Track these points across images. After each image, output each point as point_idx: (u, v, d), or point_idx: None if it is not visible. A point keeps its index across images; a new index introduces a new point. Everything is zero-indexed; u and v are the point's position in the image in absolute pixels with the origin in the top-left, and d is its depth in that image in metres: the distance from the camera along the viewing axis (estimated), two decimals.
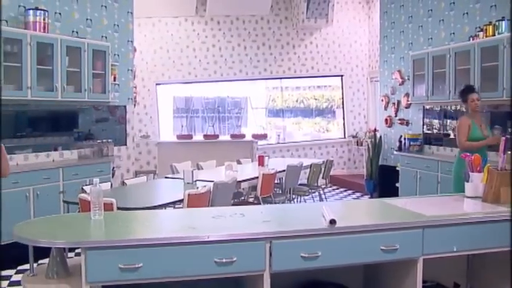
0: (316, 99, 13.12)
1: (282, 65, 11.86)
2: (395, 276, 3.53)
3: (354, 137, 12.46)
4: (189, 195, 4.81)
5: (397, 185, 8.68)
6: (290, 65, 11.94)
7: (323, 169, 8.21)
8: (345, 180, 11.67)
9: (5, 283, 5.22)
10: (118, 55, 8.14)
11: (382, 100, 9.97)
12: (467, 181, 4.08)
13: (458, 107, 7.96)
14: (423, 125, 8.81)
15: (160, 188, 6.25)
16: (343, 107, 12.76)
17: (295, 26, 11.86)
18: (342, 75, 12.61)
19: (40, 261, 3.57)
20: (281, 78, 12.18)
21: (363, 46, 12.68)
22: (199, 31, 11.29)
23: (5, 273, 5.48)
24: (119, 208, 4.29)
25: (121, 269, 2.87)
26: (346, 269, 3.62)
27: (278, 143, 12.20)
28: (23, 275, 3.44)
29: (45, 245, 3.01)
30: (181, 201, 4.97)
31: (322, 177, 8.31)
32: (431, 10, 8.54)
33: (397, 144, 9.03)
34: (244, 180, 6.51)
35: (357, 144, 12.26)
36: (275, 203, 6.78)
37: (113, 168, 7.62)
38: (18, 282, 5.13)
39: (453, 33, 7.96)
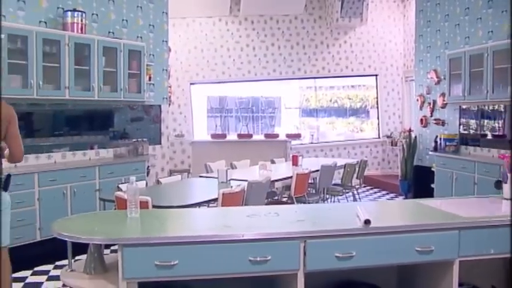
0: (350, 98, 13.05)
1: (316, 64, 11.82)
2: (431, 278, 3.50)
3: (388, 137, 12.34)
4: (223, 194, 4.84)
5: (432, 185, 8.57)
6: (324, 64, 11.89)
7: (357, 169, 8.16)
8: (379, 180, 11.57)
9: (43, 277, 5.34)
10: (153, 55, 8.23)
11: (418, 100, 9.85)
12: (505, 182, 4.00)
13: (496, 107, 7.82)
14: (459, 125, 8.68)
15: (195, 186, 6.29)
16: (377, 107, 12.65)
17: (329, 25, 11.80)
18: (376, 75, 12.51)
19: (77, 257, 3.64)
20: (315, 78, 12.15)
21: (398, 45, 12.55)
22: (233, 31, 11.33)
23: (43, 268, 5.61)
24: (154, 206, 4.34)
25: (157, 266, 2.91)
26: (380, 269, 3.59)
27: (311, 142, 12.17)
28: (61, 270, 3.52)
29: (84, 241, 3.08)
30: (215, 200, 4.99)
31: (356, 177, 8.26)
32: (468, 8, 8.40)
33: (433, 144, 8.92)
34: (278, 180, 6.50)
35: (392, 145, 12.14)
36: (309, 202, 6.76)
37: (148, 167, 7.71)
38: (56, 277, 5.24)
39: (491, 31, 7.82)
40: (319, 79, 12.33)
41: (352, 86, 13.05)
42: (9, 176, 4.03)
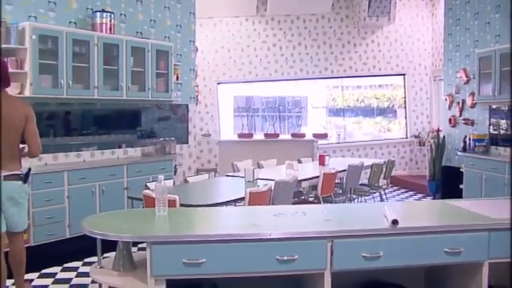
0: (377, 98, 12.96)
1: (343, 64, 11.77)
2: (460, 280, 3.46)
3: (416, 137, 12.22)
4: (250, 193, 4.85)
5: (461, 186, 8.46)
6: (351, 64, 11.84)
7: (384, 169, 8.10)
8: (407, 181, 11.47)
9: (72, 274, 5.42)
10: (180, 55, 8.28)
11: (446, 99, 9.74)
12: None
13: None
14: (489, 125, 8.55)
15: (222, 185, 6.32)
16: (405, 107, 12.54)
17: (357, 25, 11.74)
18: (404, 74, 12.40)
19: (105, 255, 3.69)
20: (342, 77, 12.10)
21: (426, 44, 12.42)
22: (260, 30, 11.35)
23: (72, 264, 5.69)
24: (181, 205, 4.37)
25: (185, 263, 2.94)
26: (407, 270, 3.57)
27: (338, 142, 12.12)
28: (91, 267, 3.57)
29: (113, 239, 3.12)
30: (242, 199, 5.01)
31: (384, 178, 8.20)
32: (499, 6, 8.27)
33: (462, 144, 8.81)
34: (304, 180, 6.49)
35: (419, 145, 12.02)
36: (335, 202, 6.73)
37: (175, 166, 7.76)
38: (84, 274, 5.32)
39: None
40: (346, 78, 12.27)
41: (380, 86, 12.96)
42: (29, 169, 4.48)
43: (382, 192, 8.24)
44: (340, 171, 7.08)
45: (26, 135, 4.35)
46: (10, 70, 5.68)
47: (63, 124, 6.98)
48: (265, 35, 11.36)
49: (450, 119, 9.58)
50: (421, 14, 12.35)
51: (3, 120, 4.11)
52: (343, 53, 11.75)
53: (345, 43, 11.77)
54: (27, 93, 5.95)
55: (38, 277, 5.31)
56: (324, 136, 11.05)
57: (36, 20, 6.34)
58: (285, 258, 3.04)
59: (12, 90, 5.86)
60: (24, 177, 4.38)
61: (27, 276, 5.25)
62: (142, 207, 4.91)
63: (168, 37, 8.06)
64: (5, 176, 4.16)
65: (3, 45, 5.85)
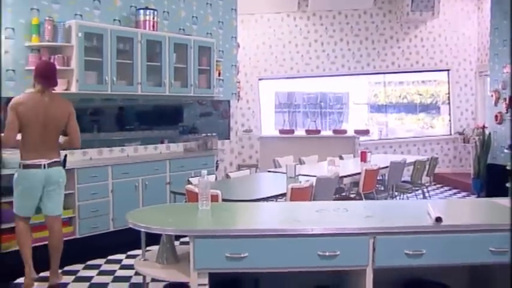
0: (420, 94, 12.76)
1: (386, 59, 11.63)
2: (506, 281, 3.39)
3: (460, 133, 11.99)
4: (292, 189, 4.85)
5: (507, 185, 8.26)
6: (394, 59, 11.69)
7: (427, 166, 7.97)
8: (450, 178, 11.27)
9: (116, 266, 5.54)
10: (222, 51, 8.33)
11: (492, 95, 9.52)
12: None
13: None
14: None
15: (263, 181, 6.33)
16: (449, 103, 12.32)
17: (399, 20, 11.58)
18: (448, 70, 12.17)
19: (148, 248, 3.76)
20: (384, 73, 11.95)
21: (472, 39, 12.16)
22: (302, 26, 11.31)
23: (116, 257, 5.81)
24: (223, 200, 4.41)
25: (227, 257, 2.97)
26: (451, 269, 3.52)
27: (380, 139, 11.99)
28: (135, 260, 3.64)
29: (157, 232, 3.18)
30: (283, 195, 5.02)
31: (426, 175, 8.08)
32: None
33: (508, 142, 8.60)
34: (346, 176, 6.45)
35: (464, 142, 11.79)
36: (377, 199, 6.67)
37: (217, 161, 7.82)
38: (128, 266, 5.42)
39: None
40: (389, 74, 12.12)
41: (423, 82, 12.75)
42: (65, 156, 4.93)
43: (425, 190, 8.12)
44: (382, 168, 7.00)
45: (68, 130, 4.85)
46: (57, 67, 5.89)
47: (107, 120, 7.12)
48: (306, 31, 11.32)
49: (496, 116, 9.36)
50: (467, 8, 12.09)
51: (49, 117, 4.67)
52: (385, 48, 11.61)
53: (388, 38, 11.63)
54: (73, 89, 6.08)
55: (83, 268, 5.44)
56: (366, 132, 10.95)
57: (82, 18, 6.48)
58: (327, 253, 3.04)
59: (59, 86, 6.01)
60: (64, 164, 4.88)
61: (73, 267, 5.42)
62: (185, 202, 4.98)
63: (210, 33, 8.11)
64: (49, 163, 4.67)
65: (50, 43, 6.01)
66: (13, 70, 5.90)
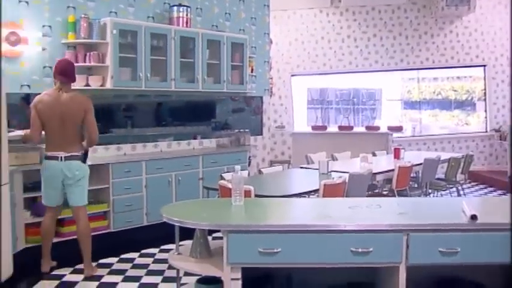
0: (455, 90, 12.57)
1: (420, 55, 11.48)
2: None
3: (496, 131, 11.76)
4: (324, 185, 4.84)
5: None
6: (428, 55, 11.53)
7: (462, 164, 7.86)
8: (486, 176, 11.07)
9: (149, 260, 5.61)
10: (255, 47, 8.35)
11: None
12: None
13: None
14: None
15: (296, 177, 6.33)
16: (485, 99, 12.10)
17: (434, 14, 11.41)
18: (484, 65, 11.95)
19: (181, 242, 3.80)
20: (418, 69, 11.80)
21: (509, 34, 11.89)
22: (334, 22, 11.25)
23: (149, 251, 5.88)
24: (256, 195, 4.43)
25: (260, 252, 2.98)
26: (486, 267, 3.46)
27: (414, 135, 11.86)
28: (169, 253, 3.69)
29: (191, 226, 3.21)
30: (316, 191, 5.01)
31: (461, 172, 7.96)
32: None
33: None
34: (379, 173, 6.40)
35: (500, 139, 11.57)
36: (410, 196, 6.61)
37: (249, 157, 7.85)
38: (161, 260, 5.49)
39: None
40: (423, 70, 11.96)
41: (458, 77, 12.55)
42: (86, 151, 5.08)
43: (460, 188, 8.01)
44: (416, 165, 6.93)
45: (86, 125, 4.97)
46: (92, 64, 6.07)
47: (140, 115, 7.20)
48: (339, 27, 11.25)
49: None
50: (504, 1, 11.81)
51: (66, 113, 4.89)
52: (419, 44, 11.46)
53: (422, 34, 11.48)
54: (108, 85, 6.18)
55: (117, 262, 5.52)
56: (399, 129, 10.84)
57: (116, 16, 6.57)
58: (360, 250, 3.03)
59: (94, 83, 6.15)
60: (83, 158, 5.02)
61: (107, 260, 5.51)
62: (218, 197, 5.01)
63: (243, 30, 8.14)
64: (66, 157, 4.90)
65: (86, 40, 6.11)
66: (50, 67, 6.00)
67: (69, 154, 4.91)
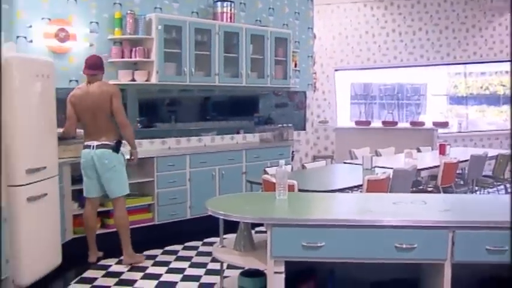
0: (503, 85, 12.25)
1: (467, 49, 11.23)
2: None
3: None
4: (368, 180, 4.81)
5: None
6: (476, 49, 11.27)
7: (511, 161, 7.67)
8: None
9: (193, 252, 5.68)
10: (299, 42, 8.33)
11: None
12: None
13: None
14: None
15: (339, 172, 6.31)
16: None
17: (482, 7, 11.13)
18: None
19: (224, 236, 3.84)
20: (465, 63, 11.55)
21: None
22: (379, 16, 11.11)
23: (192, 244, 5.96)
24: (299, 190, 4.44)
25: (304, 246, 2.99)
26: None
27: (460, 131, 11.62)
28: (213, 246, 3.73)
29: (235, 219, 3.24)
30: (359, 186, 4.99)
31: (510, 170, 7.77)
32: None
33: None
34: (424, 169, 6.30)
35: None
36: (456, 193, 6.49)
37: (293, 152, 7.85)
38: (204, 253, 5.58)
39: None
40: (470, 64, 11.70)
41: (507, 72, 12.23)
42: (118, 141, 5.18)
43: (508, 185, 7.83)
44: (462, 161, 6.80)
45: (113, 111, 5.13)
46: (138, 59, 6.21)
47: (184, 110, 7.29)
48: (384, 21, 11.11)
49: None
50: None
51: (95, 104, 5.11)
52: (467, 37, 11.21)
53: (469, 27, 11.23)
54: (153, 80, 6.27)
55: (162, 253, 5.62)
56: (445, 125, 10.65)
57: (161, 11, 6.66)
58: (404, 246, 3.01)
59: (140, 77, 6.26)
60: (115, 147, 5.14)
61: (152, 252, 5.61)
62: (261, 191, 5.03)
63: (287, 24, 8.13)
64: (98, 145, 5.10)
65: (132, 36, 6.21)
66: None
67: (100, 143, 5.10)
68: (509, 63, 11.67)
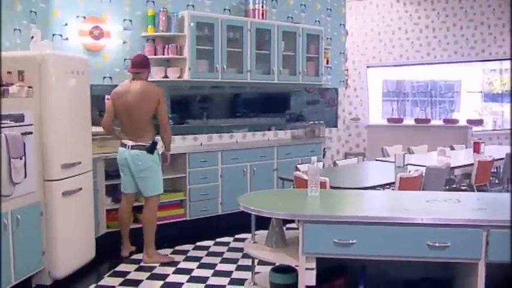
0: None
1: (503, 45, 11.00)
2: None
3: None
4: (400, 178, 4.77)
5: None
6: None
7: None
8: None
9: (224, 248, 5.73)
10: (330, 38, 8.29)
11: None
12: None
13: None
14: None
15: (371, 170, 6.27)
16: None
17: None
18: None
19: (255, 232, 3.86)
20: (501, 59, 11.33)
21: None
22: (412, 12, 10.97)
23: (224, 239, 6.00)
24: (331, 187, 4.43)
25: (335, 243, 2.99)
26: None
27: (495, 129, 11.41)
28: (245, 242, 3.75)
29: (267, 215, 3.26)
30: (391, 184, 4.95)
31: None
32: None
33: None
34: (457, 167, 6.23)
35: None
36: (491, 192, 6.39)
37: (324, 149, 7.83)
38: (235, 249, 5.63)
39: None
40: (506, 61, 11.46)
41: None
42: (154, 143, 5.19)
43: None
44: (497, 160, 6.69)
45: (158, 113, 5.17)
46: (171, 56, 6.28)
47: (215, 107, 7.33)
48: (417, 17, 10.97)
49: None
50: None
51: (135, 103, 5.09)
52: (503, 33, 10.98)
53: (506, 22, 10.98)
54: (185, 77, 6.32)
55: (193, 249, 5.68)
56: (479, 122, 10.49)
57: (193, 9, 6.71)
58: (437, 244, 2.98)
59: (172, 74, 6.32)
60: (150, 149, 5.13)
61: (183, 247, 5.68)
62: (293, 188, 5.04)
63: (319, 21, 8.10)
64: (133, 146, 5.12)
65: (164, 33, 6.27)
66: (130, 59, 6.21)
67: (135, 143, 5.11)
68: None
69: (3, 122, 3.91)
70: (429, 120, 10.71)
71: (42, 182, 4.44)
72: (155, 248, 5.32)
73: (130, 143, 5.12)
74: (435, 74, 11.44)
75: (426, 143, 7.72)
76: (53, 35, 5.73)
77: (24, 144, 4.07)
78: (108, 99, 5.45)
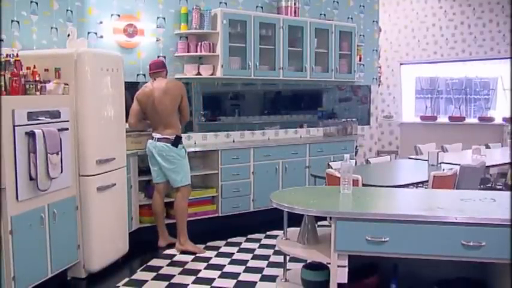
0: None
1: None
2: None
3: None
4: (434, 176, 4.72)
5: None
6: None
7: None
8: None
9: (255, 245, 5.74)
10: (363, 35, 8.23)
11: None
12: None
13: None
14: None
15: (404, 168, 6.21)
16: None
17: None
18: None
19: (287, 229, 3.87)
20: None
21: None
22: (447, 8, 10.81)
23: (255, 236, 6.03)
24: (363, 185, 4.40)
25: (368, 241, 2.98)
26: None
27: None
28: (277, 238, 3.77)
29: (300, 212, 3.26)
30: (423, 182, 4.90)
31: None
32: None
33: None
34: (493, 166, 6.12)
35: None
36: None
37: (356, 146, 7.78)
38: (266, 246, 5.64)
39: None
40: None
41: None
42: (177, 136, 5.44)
43: None
44: None
45: (181, 108, 5.53)
46: (203, 53, 6.34)
47: (247, 104, 7.35)
48: (452, 13, 10.80)
49: None
50: None
51: (158, 100, 5.39)
52: None
53: None
54: (218, 74, 6.35)
55: (225, 245, 5.71)
56: None
57: (226, 6, 6.74)
58: (471, 243, 2.94)
59: (205, 71, 6.36)
60: (174, 142, 5.39)
61: (215, 243, 5.72)
62: (325, 185, 5.02)
63: (351, 18, 8.04)
64: (158, 138, 5.40)
65: (197, 31, 6.31)
66: (164, 56, 6.28)
67: (162, 136, 5.39)
68: None
69: (39, 118, 3.99)
70: (464, 118, 10.55)
71: (77, 177, 4.53)
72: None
73: (157, 135, 5.42)
74: (470, 71, 11.24)
75: (460, 141, 7.60)
76: (88, 33, 5.82)
77: (61, 139, 4.16)
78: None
